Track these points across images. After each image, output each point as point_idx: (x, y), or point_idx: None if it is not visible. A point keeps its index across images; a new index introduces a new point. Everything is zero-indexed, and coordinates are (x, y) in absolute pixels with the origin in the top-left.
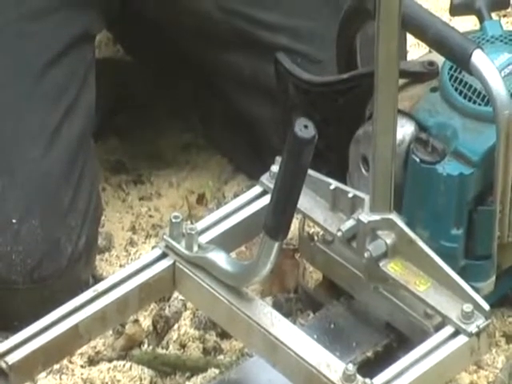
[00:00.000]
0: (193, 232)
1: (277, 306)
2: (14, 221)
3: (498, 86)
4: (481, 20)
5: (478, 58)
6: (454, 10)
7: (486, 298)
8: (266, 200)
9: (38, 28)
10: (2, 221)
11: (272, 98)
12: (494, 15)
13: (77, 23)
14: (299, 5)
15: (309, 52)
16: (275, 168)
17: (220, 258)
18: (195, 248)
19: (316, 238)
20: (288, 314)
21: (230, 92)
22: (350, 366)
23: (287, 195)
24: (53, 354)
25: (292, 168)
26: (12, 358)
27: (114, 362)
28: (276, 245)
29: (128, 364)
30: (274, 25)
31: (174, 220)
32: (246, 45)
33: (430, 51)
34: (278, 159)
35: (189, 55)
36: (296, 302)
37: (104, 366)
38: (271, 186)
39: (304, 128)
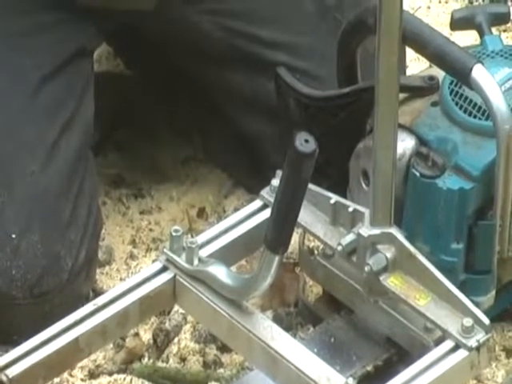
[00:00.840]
0: (193, 246)
1: (277, 319)
2: (13, 236)
3: (498, 101)
4: (481, 35)
5: (479, 73)
6: (455, 25)
7: (486, 312)
8: (266, 214)
9: (35, 43)
10: (2, 236)
11: (272, 115)
12: (494, 30)
13: (75, 39)
14: (297, 21)
15: (308, 68)
16: (276, 182)
17: (220, 272)
18: (195, 262)
19: (316, 252)
20: (288, 327)
21: (230, 109)
22: (351, 380)
23: (288, 209)
24: (53, 367)
25: (292, 182)
26: (12, 372)
27: (115, 376)
28: (276, 258)
29: (128, 377)
30: (272, 42)
31: (174, 234)
32: (245, 62)
33: (430, 66)
34: (279, 173)
35: (188, 72)
36: (296, 316)
37: (104, 379)
38: (272, 199)
39: (305, 142)
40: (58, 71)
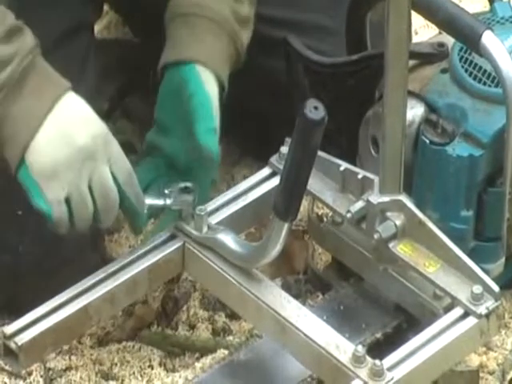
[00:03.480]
0: (202, 213)
1: (286, 287)
2: (19, 212)
3: (508, 68)
4: (490, 1)
5: (488, 39)
6: None
7: (495, 279)
8: (275, 181)
9: (32, 17)
10: (8, 212)
11: (277, 91)
12: None
13: (75, 12)
14: None
15: (312, 44)
16: (284, 149)
17: (229, 239)
18: (205, 229)
19: (325, 219)
20: (297, 295)
21: (235, 85)
22: (360, 348)
23: (297, 176)
24: (62, 335)
25: (302, 149)
26: (21, 339)
27: (124, 343)
28: (285, 226)
29: (137, 345)
30: (275, 19)
31: None
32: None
33: (439, 33)
34: (288, 140)
35: None
36: (305, 284)
37: (113, 346)
38: (280, 167)
39: (314, 109)
40: (56, 44)
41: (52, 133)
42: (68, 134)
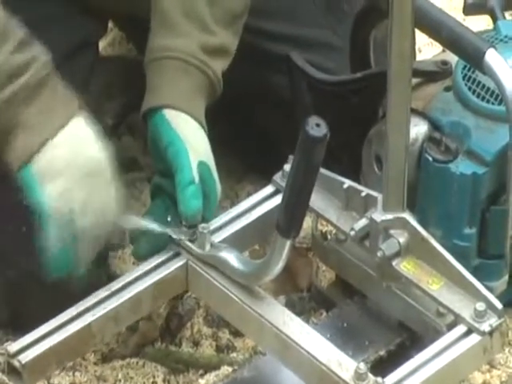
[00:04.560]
0: (205, 231)
1: (290, 304)
2: (24, 229)
3: (511, 85)
4: (494, 20)
5: (492, 58)
6: (468, 10)
7: (498, 297)
8: (278, 199)
9: (37, 34)
10: (13, 229)
11: (281, 106)
12: (507, 15)
13: (77, 30)
14: (303, 13)
15: (316, 61)
16: (288, 167)
17: (232, 257)
18: (207, 247)
19: (329, 236)
20: (301, 312)
21: (240, 101)
22: (362, 365)
23: (299, 193)
24: (66, 353)
25: (304, 166)
26: (25, 357)
27: (127, 359)
28: (287, 243)
29: (141, 361)
30: (279, 35)
31: None
32: (252, 56)
33: (443, 50)
34: (291, 158)
35: None
36: (309, 301)
37: (117, 363)
38: (284, 185)
39: (316, 126)
40: (61, 62)
41: (56, 154)
42: (73, 158)
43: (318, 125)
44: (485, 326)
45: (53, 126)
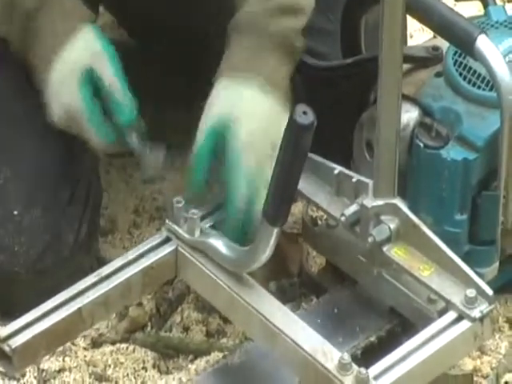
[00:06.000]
0: (194, 217)
1: (280, 290)
2: (15, 212)
3: (502, 71)
4: (485, 5)
5: (483, 44)
6: None
7: (489, 283)
8: None
9: None
10: (4, 212)
11: None
12: (498, 1)
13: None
14: None
15: (309, 45)
16: None
17: (220, 244)
18: (197, 233)
19: (319, 222)
20: (292, 298)
21: None
22: (346, 355)
23: (286, 182)
24: (56, 337)
25: (291, 154)
26: (15, 342)
27: (117, 345)
28: (275, 231)
29: (131, 347)
30: None
31: (176, 204)
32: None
33: (434, 36)
34: None
35: (189, 46)
36: (300, 287)
37: (107, 348)
38: None
39: (303, 114)
40: None
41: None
42: None
43: (305, 112)
44: (475, 313)
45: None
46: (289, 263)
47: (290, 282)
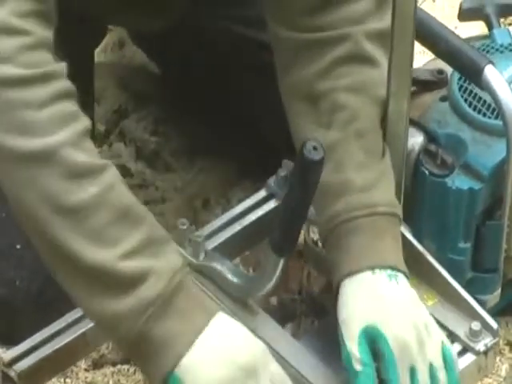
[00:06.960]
0: (199, 240)
1: (282, 306)
2: (18, 246)
3: (509, 102)
4: (489, 26)
5: (490, 74)
6: (463, 15)
7: (490, 307)
8: (272, 204)
9: None
10: (7, 246)
11: (274, 99)
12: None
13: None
14: None
15: None
16: (282, 171)
17: (225, 268)
18: (201, 256)
19: (320, 244)
20: (292, 314)
21: (232, 98)
22: None
23: (295, 214)
24: (61, 361)
25: (301, 188)
26: (20, 367)
27: (118, 366)
28: (281, 261)
29: (132, 368)
30: (257, 21)
31: (180, 226)
32: (234, 44)
33: (435, 58)
34: (286, 162)
35: (197, 65)
36: (301, 304)
37: (108, 369)
38: (278, 189)
39: (313, 150)
40: None
41: (206, 352)
42: (226, 353)
43: (315, 148)
44: (480, 346)
45: (192, 332)
46: (289, 281)
47: (291, 297)
